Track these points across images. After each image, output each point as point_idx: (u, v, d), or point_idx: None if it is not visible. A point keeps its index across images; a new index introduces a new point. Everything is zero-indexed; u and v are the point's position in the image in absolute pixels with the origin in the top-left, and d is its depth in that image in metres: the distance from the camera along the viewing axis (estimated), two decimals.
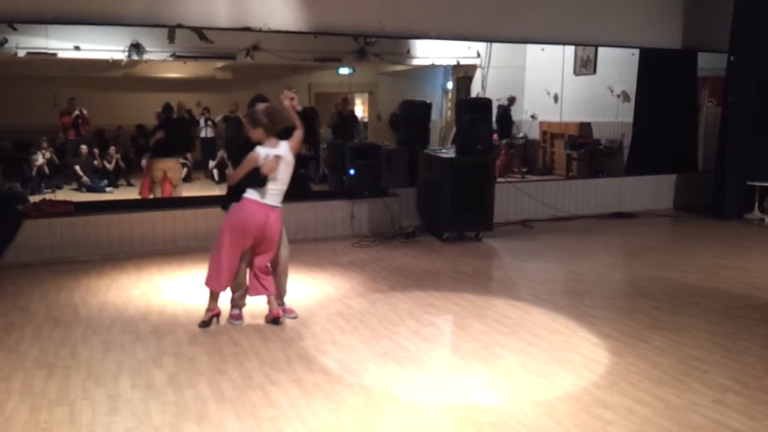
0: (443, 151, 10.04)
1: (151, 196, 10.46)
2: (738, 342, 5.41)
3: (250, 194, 5.57)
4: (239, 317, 5.89)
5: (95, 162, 13.00)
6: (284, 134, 5.67)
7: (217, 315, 5.81)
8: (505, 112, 14.89)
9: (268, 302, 5.87)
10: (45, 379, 4.66)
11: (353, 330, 5.68)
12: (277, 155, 5.50)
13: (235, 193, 5.68)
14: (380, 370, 4.85)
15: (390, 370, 4.84)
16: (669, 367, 4.87)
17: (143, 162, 13.46)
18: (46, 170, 12.43)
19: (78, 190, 12.58)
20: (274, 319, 5.80)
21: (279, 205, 5.66)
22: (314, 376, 4.73)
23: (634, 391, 4.46)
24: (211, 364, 4.96)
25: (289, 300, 6.18)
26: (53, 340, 5.43)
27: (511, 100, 14.99)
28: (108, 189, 12.85)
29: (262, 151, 5.50)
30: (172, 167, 10.62)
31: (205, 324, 5.73)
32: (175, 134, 10.83)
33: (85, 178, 12.70)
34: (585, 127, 14.34)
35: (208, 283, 5.79)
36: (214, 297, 5.81)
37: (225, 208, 5.83)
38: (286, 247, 6.01)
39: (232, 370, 4.82)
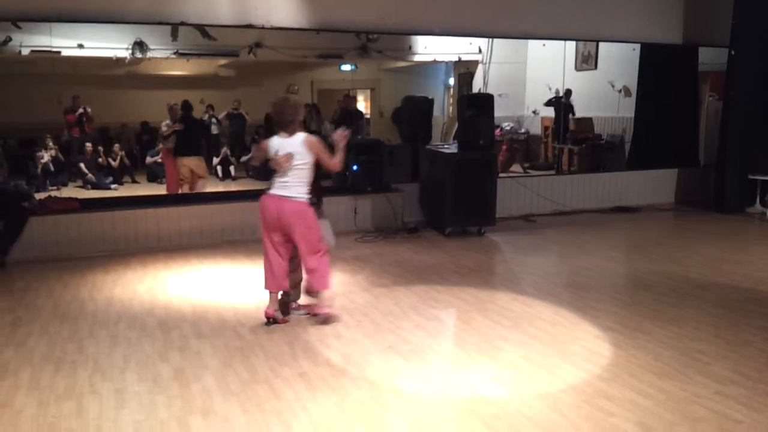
0: (446, 146, 10.07)
1: (180, 191, 10.69)
2: (739, 334, 5.45)
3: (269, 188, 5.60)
4: (297, 308, 5.96)
5: (100, 159, 13.02)
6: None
7: (270, 318, 5.68)
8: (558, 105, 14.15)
9: (315, 299, 5.84)
10: (53, 374, 4.71)
11: (357, 324, 5.72)
12: (290, 153, 5.44)
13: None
14: (384, 363, 4.89)
15: (394, 364, 4.88)
16: (671, 359, 4.91)
17: (147, 159, 13.59)
18: (52, 168, 12.45)
19: (83, 187, 12.59)
20: (323, 318, 5.76)
21: (292, 194, 5.51)
22: (319, 369, 4.77)
23: (636, 383, 4.50)
24: (217, 357, 5.00)
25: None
26: (60, 336, 5.48)
27: (566, 94, 13.96)
28: (113, 186, 12.87)
29: (272, 141, 5.54)
30: (197, 164, 10.78)
31: (266, 323, 5.69)
32: (195, 132, 10.96)
33: (90, 176, 12.71)
34: (586, 122, 14.34)
35: (265, 285, 5.75)
36: (270, 297, 5.74)
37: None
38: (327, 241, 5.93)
39: (237, 364, 4.86)
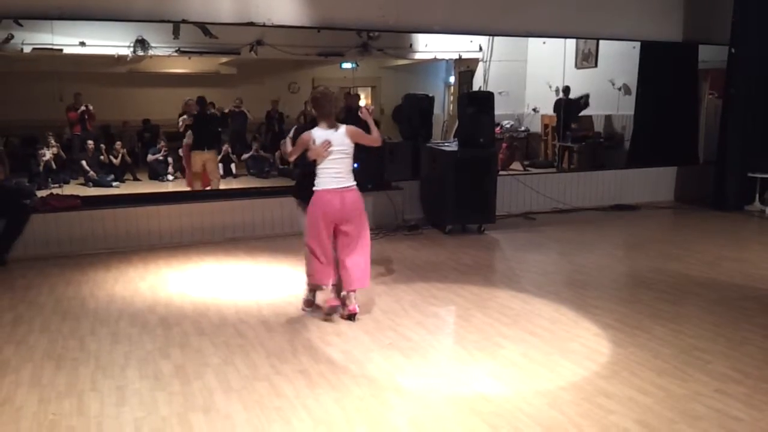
0: (446, 144, 10.08)
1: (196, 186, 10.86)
2: (739, 332, 5.45)
3: (318, 185, 5.59)
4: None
5: (101, 157, 13.04)
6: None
7: (337, 307, 5.77)
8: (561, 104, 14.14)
9: (347, 296, 5.81)
10: (54, 371, 4.73)
11: (358, 321, 5.72)
12: (327, 140, 5.51)
13: (303, 183, 5.78)
14: (384, 360, 4.90)
15: (394, 361, 4.89)
16: (670, 357, 4.92)
17: (149, 156, 13.61)
18: (53, 165, 12.46)
19: (85, 184, 12.60)
20: (350, 315, 5.75)
21: (349, 184, 5.62)
22: (319, 366, 4.78)
23: (636, 380, 4.51)
24: (218, 355, 5.01)
25: (295, 292, 6.23)
26: (62, 333, 5.49)
27: (566, 92, 13.94)
28: (114, 184, 12.89)
29: (315, 134, 5.56)
30: (209, 159, 10.89)
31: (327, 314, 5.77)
32: (209, 128, 11.05)
33: (91, 173, 12.73)
34: (586, 120, 14.34)
35: (310, 279, 5.82)
36: (330, 290, 5.83)
37: (297, 196, 5.86)
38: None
39: (238, 361, 4.88)
